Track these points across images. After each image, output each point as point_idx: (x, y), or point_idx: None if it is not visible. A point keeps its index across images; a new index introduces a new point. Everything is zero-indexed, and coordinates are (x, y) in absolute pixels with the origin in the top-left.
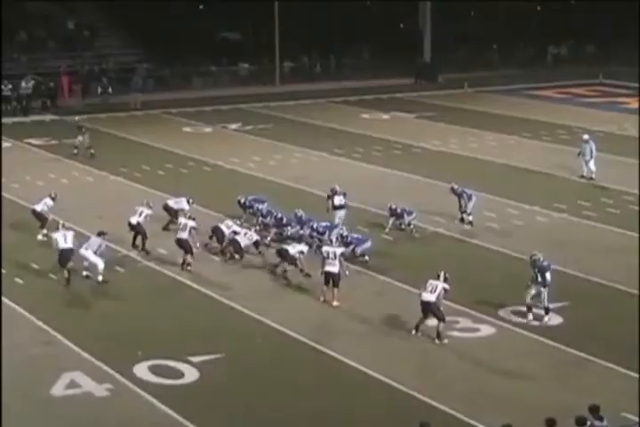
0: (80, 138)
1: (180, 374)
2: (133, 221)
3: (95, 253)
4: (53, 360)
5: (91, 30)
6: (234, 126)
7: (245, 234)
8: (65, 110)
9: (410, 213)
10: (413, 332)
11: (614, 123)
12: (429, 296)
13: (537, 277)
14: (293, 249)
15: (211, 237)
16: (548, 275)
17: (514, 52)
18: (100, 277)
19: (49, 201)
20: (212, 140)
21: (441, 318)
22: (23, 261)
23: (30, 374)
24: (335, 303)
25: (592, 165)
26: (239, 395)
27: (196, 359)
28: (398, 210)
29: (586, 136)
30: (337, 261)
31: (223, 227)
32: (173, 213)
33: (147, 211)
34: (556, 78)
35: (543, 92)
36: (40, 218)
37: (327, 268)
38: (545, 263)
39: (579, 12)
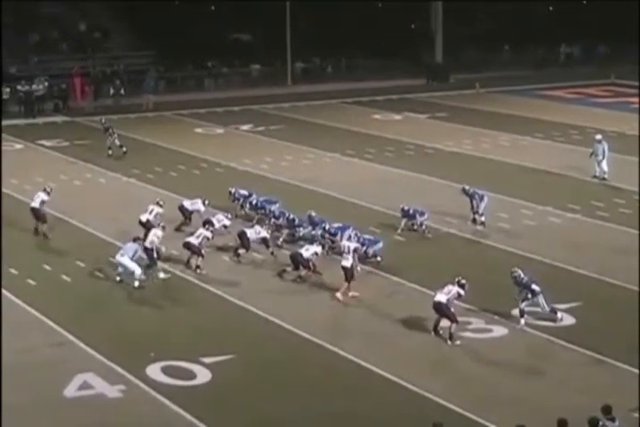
0: (110, 139)
1: (193, 375)
2: (143, 218)
3: (131, 258)
4: (66, 362)
5: (102, 32)
6: (245, 127)
7: (257, 231)
8: (77, 112)
9: (422, 214)
10: (432, 333)
11: (626, 123)
12: (440, 297)
13: (521, 292)
14: (307, 252)
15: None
16: (534, 286)
17: (525, 52)
18: (137, 283)
19: (44, 196)
20: (224, 142)
21: (453, 320)
22: (36, 262)
23: (43, 376)
24: (338, 295)
25: (604, 165)
26: (251, 396)
27: (208, 360)
28: (410, 211)
29: (598, 136)
30: (350, 256)
31: (214, 220)
32: (188, 215)
33: (157, 209)
34: (568, 78)
35: (555, 92)
36: (37, 215)
37: (342, 262)
38: (526, 279)
39: (590, 11)
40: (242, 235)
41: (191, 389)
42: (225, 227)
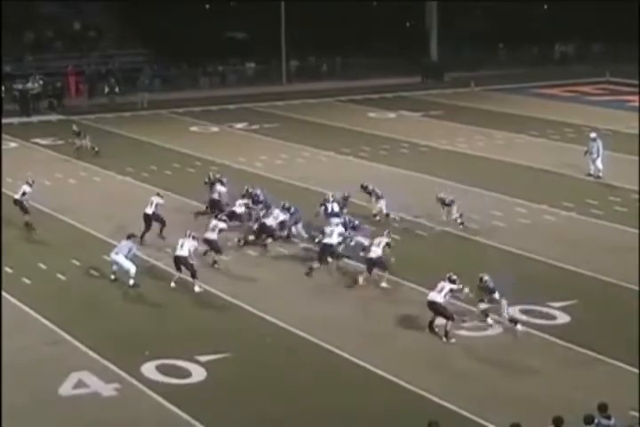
0: (78, 142)
1: (188, 374)
2: (149, 211)
3: (126, 256)
4: (61, 360)
5: (97, 30)
6: (240, 126)
7: (275, 216)
8: (72, 110)
9: (379, 198)
10: (427, 330)
11: (621, 121)
12: (434, 296)
13: (485, 296)
14: (333, 239)
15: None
16: (496, 294)
17: (520, 50)
18: (132, 281)
19: (26, 187)
20: (219, 140)
21: (448, 317)
22: (31, 261)
23: (38, 374)
24: (384, 284)
25: (599, 163)
26: (247, 394)
27: (203, 359)
28: (447, 200)
29: (593, 134)
30: (380, 249)
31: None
32: (219, 205)
33: (158, 200)
34: (563, 77)
35: (550, 90)
36: (22, 206)
37: (369, 254)
38: (492, 285)
39: (585, 10)
40: (262, 226)
41: (186, 387)
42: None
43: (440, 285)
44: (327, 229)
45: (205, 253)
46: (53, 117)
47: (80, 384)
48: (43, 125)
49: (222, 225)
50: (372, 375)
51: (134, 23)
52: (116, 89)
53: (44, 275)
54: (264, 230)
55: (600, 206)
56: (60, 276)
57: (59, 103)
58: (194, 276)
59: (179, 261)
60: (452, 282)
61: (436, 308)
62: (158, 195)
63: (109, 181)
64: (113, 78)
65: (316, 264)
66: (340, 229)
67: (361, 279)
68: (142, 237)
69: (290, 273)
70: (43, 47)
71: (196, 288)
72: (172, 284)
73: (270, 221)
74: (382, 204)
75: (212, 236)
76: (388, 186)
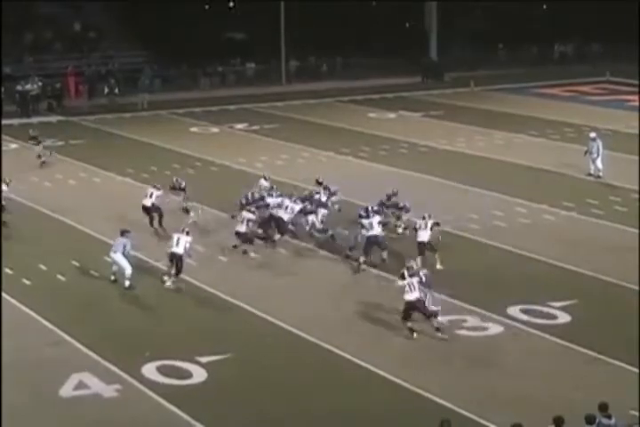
0: (38, 148)
1: (189, 375)
2: (147, 203)
3: (123, 254)
4: (61, 361)
5: (97, 31)
6: (240, 126)
7: (286, 207)
8: (71, 111)
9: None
10: (430, 331)
11: (621, 121)
12: (409, 296)
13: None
14: (375, 230)
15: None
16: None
17: (520, 50)
18: (128, 283)
19: (4, 187)
20: (219, 141)
21: (430, 315)
22: (31, 262)
23: (38, 375)
24: (439, 266)
25: (599, 162)
26: (248, 395)
27: (204, 360)
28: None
29: (593, 134)
30: (428, 231)
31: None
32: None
33: (156, 192)
34: (563, 76)
35: (550, 90)
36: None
37: (420, 238)
38: (430, 282)
39: (585, 10)
40: (279, 221)
41: (187, 388)
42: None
43: (408, 283)
44: (365, 222)
45: (235, 247)
46: (53, 118)
47: (81, 385)
48: (42, 127)
49: (251, 216)
50: (373, 375)
51: (134, 24)
52: (116, 90)
53: (44, 276)
54: (277, 225)
55: (600, 206)
56: (60, 277)
57: (58, 104)
58: (178, 273)
59: (174, 258)
60: (414, 275)
61: (415, 307)
62: (155, 186)
63: (109, 181)
64: (113, 79)
65: (361, 258)
66: (378, 218)
67: (415, 263)
68: (152, 225)
69: (290, 273)
70: (42, 48)
71: (168, 283)
72: (168, 283)
73: (282, 213)
74: (336, 198)
75: (242, 228)
76: (388, 186)
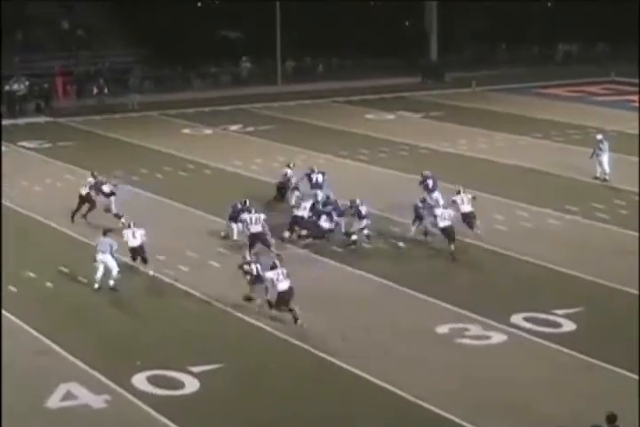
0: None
1: (180, 385)
2: (83, 192)
3: (112, 255)
4: (49, 371)
5: (86, 29)
6: (235, 128)
7: (304, 207)
8: (59, 112)
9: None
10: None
11: (628, 122)
12: (283, 285)
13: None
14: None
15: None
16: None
17: (522, 49)
18: (112, 282)
19: None
20: (213, 143)
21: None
22: (18, 269)
23: (24, 386)
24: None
25: (606, 165)
26: (241, 406)
27: (196, 369)
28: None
29: (599, 136)
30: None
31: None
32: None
33: (89, 179)
34: (567, 76)
35: (553, 90)
36: None
37: (464, 210)
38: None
39: (589, 9)
40: (295, 219)
41: (179, 399)
42: None
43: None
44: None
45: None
46: (41, 119)
47: (69, 396)
48: (29, 128)
49: (264, 216)
50: (368, 383)
51: (124, 22)
52: (106, 90)
53: (31, 283)
54: (296, 223)
55: (605, 210)
56: (48, 284)
57: (46, 105)
58: (146, 262)
59: (135, 252)
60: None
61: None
62: (93, 175)
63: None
64: (102, 79)
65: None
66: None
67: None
68: (75, 213)
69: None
70: (31, 47)
71: (151, 272)
72: (151, 272)
73: (301, 212)
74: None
75: (258, 228)
76: (387, 190)
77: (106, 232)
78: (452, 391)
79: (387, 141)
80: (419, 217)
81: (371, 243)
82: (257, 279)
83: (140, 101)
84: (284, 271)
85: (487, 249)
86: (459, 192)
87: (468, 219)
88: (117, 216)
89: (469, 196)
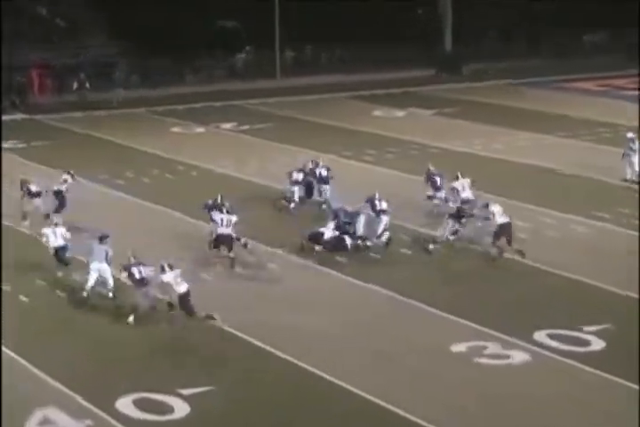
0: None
1: (169, 409)
2: (33, 188)
3: (108, 262)
4: (24, 395)
5: (67, 19)
6: (228, 126)
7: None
8: (36, 109)
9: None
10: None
11: None
12: (181, 288)
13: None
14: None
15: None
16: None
17: (546, 40)
18: (110, 294)
19: None
20: (204, 142)
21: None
22: None
23: None
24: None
25: (637, 166)
26: None
27: (186, 392)
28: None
29: (630, 134)
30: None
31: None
32: None
33: (65, 175)
34: (594, 69)
35: (580, 84)
36: None
37: (501, 221)
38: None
39: None
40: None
41: (168, 424)
42: None
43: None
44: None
45: (246, 246)
46: (18, 117)
47: (46, 422)
48: (4, 126)
49: (235, 219)
50: (370, 404)
51: (108, 10)
52: (87, 84)
53: (6, 297)
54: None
55: (637, 216)
56: (23, 298)
57: (21, 101)
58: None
59: (59, 251)
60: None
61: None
62: (69, 173)
63: (78, 189)
64: (83, 72)
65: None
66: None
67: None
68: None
69: (274, 293)
70: (6, 37)
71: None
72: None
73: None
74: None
75: (228, 230)
76: (395, 193)
77: (102, 238)
78: (463, 414)
79: (395, 140)
80: (458, 217)
81: (386, 250)
82: (139, 283)
83: (125, 97)
84: (179, 273)
85: (508, 258)
86: (457, 178)
87: (506, 229)
88: (47, 216)
89: (468, 180)
